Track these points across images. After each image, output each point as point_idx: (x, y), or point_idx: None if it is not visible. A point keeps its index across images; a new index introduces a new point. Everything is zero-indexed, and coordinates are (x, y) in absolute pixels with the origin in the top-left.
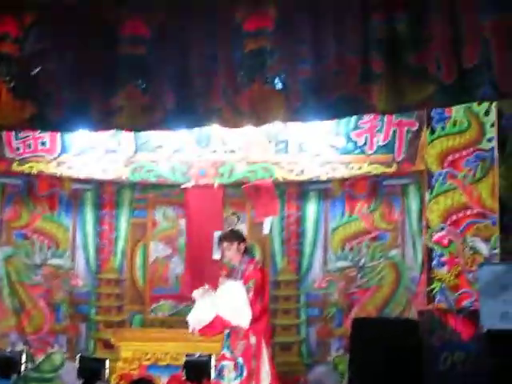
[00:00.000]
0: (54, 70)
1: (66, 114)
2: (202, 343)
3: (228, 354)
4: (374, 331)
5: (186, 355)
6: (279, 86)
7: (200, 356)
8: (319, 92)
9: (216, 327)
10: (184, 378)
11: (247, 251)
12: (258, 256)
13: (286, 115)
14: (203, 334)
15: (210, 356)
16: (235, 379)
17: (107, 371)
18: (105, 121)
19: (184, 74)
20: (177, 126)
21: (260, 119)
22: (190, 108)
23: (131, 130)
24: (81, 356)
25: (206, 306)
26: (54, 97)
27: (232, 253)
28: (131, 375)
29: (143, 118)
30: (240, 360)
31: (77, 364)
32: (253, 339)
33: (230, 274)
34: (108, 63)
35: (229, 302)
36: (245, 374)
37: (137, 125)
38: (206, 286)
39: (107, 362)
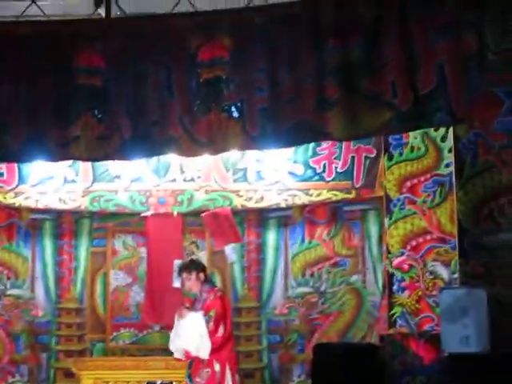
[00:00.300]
0: (10, 101)
1: (23, 145)
2: (162, 371)
3: (190, 381)
4: (335, 356)
5: (147, 383)
6: (236, 114)
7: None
8: (276, 119)
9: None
10: None
11: (207, 280)
12: (218, 284)
13: (244, 143)
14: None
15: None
16: None
17: None
18: (61, 151)
19: (140, 103)
20: (134, 155)
21: (217, 148)
22: (146, 137)
23: (88, 160)
24: None
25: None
26: (11, 127)
27: (192, 282)
28: None
29: (99, 148)
30: None
31: None
32: (217, 367)
33: (193, 304)
34: (63, 94)
35: (190, 334)
36: None
37: (93, 155)
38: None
39: None
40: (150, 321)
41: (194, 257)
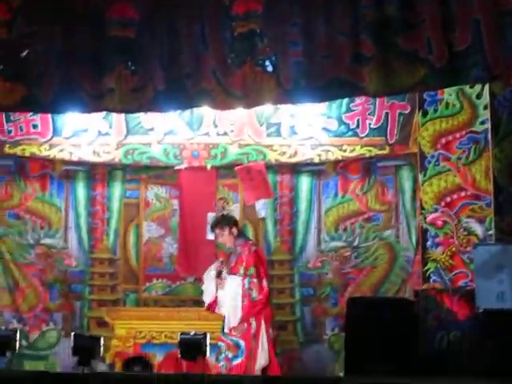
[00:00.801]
0: (44, 52)
1: (56, 96)
2: (196, 322)
3: (225, 336)
4: (369, 309)
5: (181, 334)
6: (270, 68)
7: (195, 334)
8: (310, 74)
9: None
10: (179, 356)
11: (240, 234)
12: (251, 237)
13: (278, 97)
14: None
15: (205, 334)
16: (233, 360)
17: (102, 349)
18: (95, 103)
19: (173, 56)
20: (167, 108)
21: (251, 101)
22: (180, 89)
23: (121, 112)
24: (75, 334)
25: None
26: (44, 79)
27: (225, 238)
28: (126, 353)
29: (133, 100)
30: (239, 341)
31: (72, 342)
32: (253, 322)
33: (228, 258)
34: (97, 46)
35: (227, 299)
36: (244, 354)
37: (127, 107)
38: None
39: (102, 340)
40: (184, 273)
41: (225, 212)
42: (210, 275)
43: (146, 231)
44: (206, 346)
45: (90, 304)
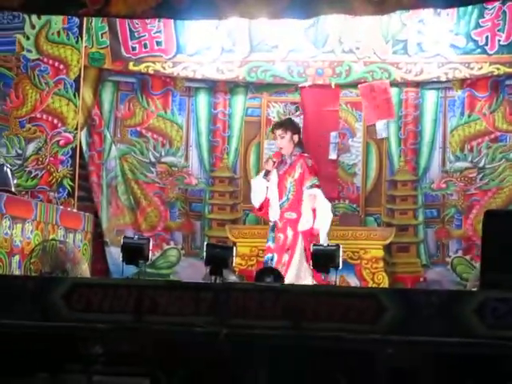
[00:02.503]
0: None
1: (191, 2)
2: None
3: (272, 246)
4: (508, 223)
5: (313, 245)
6: None
7: (328, 245)
8: None
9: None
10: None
11: (299, 144)
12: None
13: (413, 2)
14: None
15: (337, 245)
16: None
17: (234, 259)
18: (229, 8)
19: None
20: (301, 15)
21: (387, 7)
22: None
23: (253, 18)
24: (208, 243)
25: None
26: None
27: (285, 142)
28: (250, 271)
29: (268, 6)
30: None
31: (204, 251)
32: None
33: (279, 164)
34: None
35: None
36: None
37: (259, 13)
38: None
39: (234, 250)
40: None
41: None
42: (257, 177)
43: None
44: (338, 257)
45: (210, 223)
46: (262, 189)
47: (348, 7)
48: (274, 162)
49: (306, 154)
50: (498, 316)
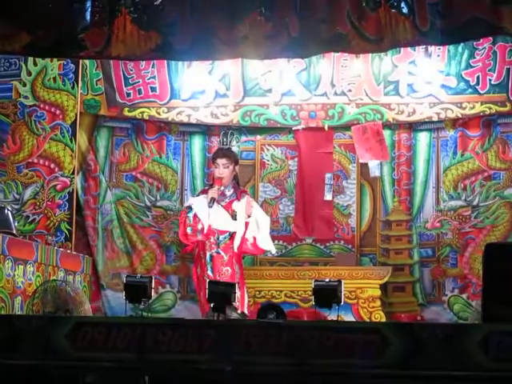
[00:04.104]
0: (178, 0)
1: (190, 44)
2: None
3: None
4: (509, 255)
5: (315, 281)
6: (405, 10)
7: (330, 281)
8: (447, 15)
9: None
10: (313, 303)
11: (236, 176)
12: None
13: (413, 39)
14: None
15: (339, 281)
16: None
17: (237, 295)
18: (229, 50)
19: (307, 1)
20: (301, 54)
21: (386, 44)
22: (314, 35)
23: (254, 58)
24: (210, 281)
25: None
26: (179, 26)
27: (227, 172)
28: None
29: (267, 47)
30: None
31: (206, 288)
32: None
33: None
34: None
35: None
36: None
37: (260, 53)
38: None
39: (236, 287)
40: (302, 235)
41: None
42: (199, 199)
43: (261, 192)
44: (341, 292)
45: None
46: (205, 215)
47: (346, 46)
48: (218, 189)
49: (242, 188)
50: (502, 349)
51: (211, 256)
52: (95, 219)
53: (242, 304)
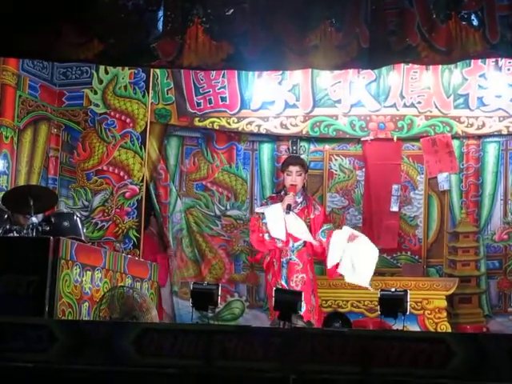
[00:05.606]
0: (248, 10)
1: (260, 54)
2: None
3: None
4: None
5: (381, 290)
6: (476, 22)
7: (396, 291)
8: None
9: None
10: (379, 313)
11: (305, 185)
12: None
13: (483, 52)
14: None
15: (405, 291)
16: None
17: (303, 304)
18: (299, 60)
19: (378, 13)
20: (370, 65)
21: (456, 56)
22: (384, 46)
23: (325, 69)
24: (277, 288)
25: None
26: (249, 36)
27: (300, 179)
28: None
29: (337, 57)
30: None
31: (272, 296)
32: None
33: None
34: (301, 2)
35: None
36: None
37: (330, 63)
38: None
39: (303, 295)
40: None
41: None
42: (273, 209)
43: (329, 202)
44: (406, 302)
45: None
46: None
47: (416, 57)
48: (294, 196)
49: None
50: None
51: (287, 262)
52: (166, 227)
53: (317, 311)
